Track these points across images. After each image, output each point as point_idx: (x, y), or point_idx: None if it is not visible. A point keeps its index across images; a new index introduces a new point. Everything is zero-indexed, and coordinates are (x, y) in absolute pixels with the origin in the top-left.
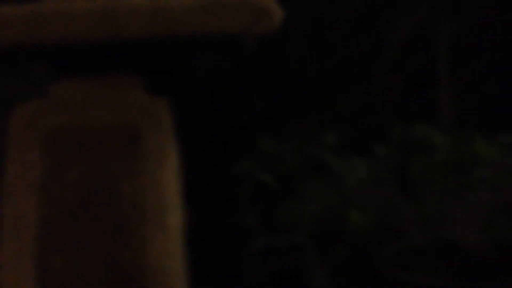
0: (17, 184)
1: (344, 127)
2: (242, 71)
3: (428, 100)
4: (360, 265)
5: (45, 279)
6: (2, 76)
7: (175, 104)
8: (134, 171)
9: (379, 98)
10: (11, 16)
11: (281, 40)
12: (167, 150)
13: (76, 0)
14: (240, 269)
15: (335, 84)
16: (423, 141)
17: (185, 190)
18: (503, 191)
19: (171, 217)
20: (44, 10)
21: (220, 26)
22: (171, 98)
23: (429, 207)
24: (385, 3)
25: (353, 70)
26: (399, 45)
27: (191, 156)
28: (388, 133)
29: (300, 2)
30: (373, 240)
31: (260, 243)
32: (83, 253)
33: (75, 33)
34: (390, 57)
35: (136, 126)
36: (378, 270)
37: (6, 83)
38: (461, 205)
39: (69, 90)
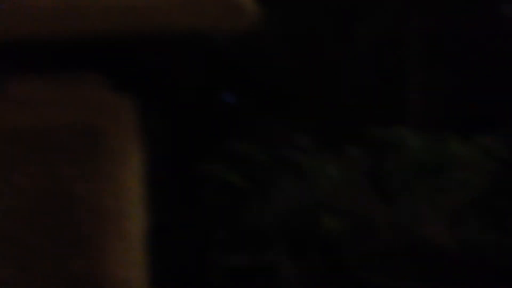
0: None
1: (316, 127)
2: (212, 68)
3: (398, 99)
4: (332, 267)
5: None
6: None
7: (140, 102)
8: (92, 173)
9: (350, 97)
10: None
11: (253, 39)
12: (130, 151)
13: None
14: (204, 271)
15: (306, 83)
16: (397, 142)
17: (149, 192)
18: (476, 192)
19: (132, 223)
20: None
21: (188, 23)
22: (135, 96)
23: (402, 209)
24: (356, 2)
25: (324, 69)
26: (370, 43)
27: (156, 156)
28: (361, 133)
29: (274, 2)
30: (345, 242)
31: (228, 260)
32: (35, 263)
33: (32, 29)
34: (362, 55)
35: (95, 125)
36: (350, 272)
37: None
38: (434, 207)
39: (24, 87)
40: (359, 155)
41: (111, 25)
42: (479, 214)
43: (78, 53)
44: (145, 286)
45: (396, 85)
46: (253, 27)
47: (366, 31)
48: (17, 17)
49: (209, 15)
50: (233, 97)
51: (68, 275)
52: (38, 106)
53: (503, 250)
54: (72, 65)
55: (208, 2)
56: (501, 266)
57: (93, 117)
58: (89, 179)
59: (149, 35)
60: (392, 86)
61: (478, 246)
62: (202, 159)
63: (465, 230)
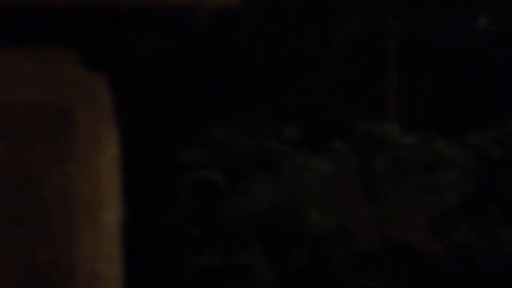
0: None
1: (299, 121)
2: (193, 55)
3: (375, 97)
4: (315, 267)
5: None
6: None
7: (116, 85)
8: (64, 156)
9: (331, 93)
10: None
11: (234, 29)
12: (104, 133)
13: None
14: (178, 267)
15: (287, 76)
16: (387, 139)
17: (124, 181)
18: (464, 193)
19: (106, 211)
20: None
21: None
22: (111, 77)
23: (389, 210)
24: (338, 4)
25: (304, 63)
26: (348, 41)
27: (131, 145)
28: (345, 129)
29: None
30: (330, 242)
31: (204, 260)
32: None
33: None
34: (340, 52)
35: (68, 104)
36: (332, 273)
37: None
38: (422, 209)
39: None
40: (348, 151)
41: None
42: (467, 218)
43: (50, 27)
44: (119, 282)
45: (375, 84)
46: (237, 10)
47: (344, 28)
48: None
49: None
50: (217, 87)
51: (33, 266)
52: (6, 82)
53: (491, 256)
54: (44, 40)
55: None
56: (488, 273)
57: (66, 95)
58: (61, 162)
59: (124, 9)
60: (372, 85)
61: (465, 252)
62: (180, 150)
63: (453, 235)
